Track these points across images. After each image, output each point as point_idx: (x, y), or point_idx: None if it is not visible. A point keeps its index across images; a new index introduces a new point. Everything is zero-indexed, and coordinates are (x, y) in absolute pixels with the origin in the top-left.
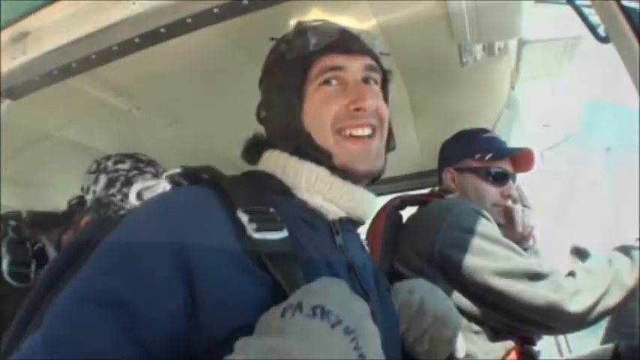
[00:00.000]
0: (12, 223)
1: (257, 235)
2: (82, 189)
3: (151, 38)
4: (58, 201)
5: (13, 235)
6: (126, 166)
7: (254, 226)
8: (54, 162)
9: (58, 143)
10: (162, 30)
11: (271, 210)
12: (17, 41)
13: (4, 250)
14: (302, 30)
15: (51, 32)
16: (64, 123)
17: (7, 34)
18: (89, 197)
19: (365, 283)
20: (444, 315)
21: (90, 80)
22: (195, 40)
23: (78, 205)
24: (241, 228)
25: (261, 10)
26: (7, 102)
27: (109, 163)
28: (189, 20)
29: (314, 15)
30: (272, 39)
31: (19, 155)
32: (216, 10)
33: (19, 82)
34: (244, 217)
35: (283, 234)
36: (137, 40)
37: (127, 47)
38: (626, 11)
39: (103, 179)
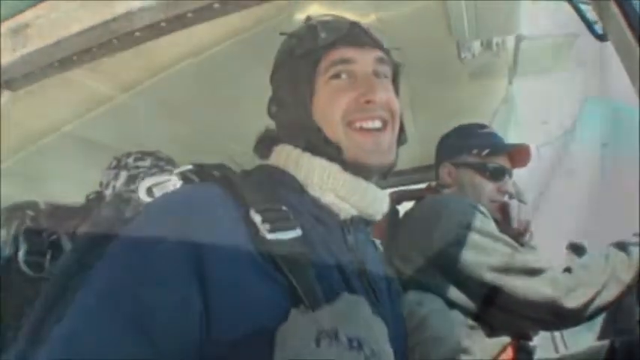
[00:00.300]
0: (30, 212)
1: (270, 236)
2: (101, 184)
3: (152, 32)
4: (55, 193)
5: (30, 224)
6: (146, 163)
7: (267, 226)
8: (53, 154)
9: (58, 136)
10: (163, 24)
11: (284, 208)
12: (18, 33)
13: (21, 238)
14: (311, 24)
15: (52, 24)
16: (65, 116)
17: (8, 25)
18: (108, 192)
19: (376, 287)
20: (441, 338)
21: (91, 74)
22: (199, 35)
23: (96, 199)
24: (254, 228)
25: (262, 5)
26: (7, 93)
27: (130, 160)
28: (189, 15)
29: (314, 11)
30: (282, 34)
31: (21, 147)
32: (216, 6)
33: (20, 74)
34: (257, 218)
35: (296, 233)
36: (137, 33)
37: (128, 40)
38: (624, 8)
39: (123, 175)
